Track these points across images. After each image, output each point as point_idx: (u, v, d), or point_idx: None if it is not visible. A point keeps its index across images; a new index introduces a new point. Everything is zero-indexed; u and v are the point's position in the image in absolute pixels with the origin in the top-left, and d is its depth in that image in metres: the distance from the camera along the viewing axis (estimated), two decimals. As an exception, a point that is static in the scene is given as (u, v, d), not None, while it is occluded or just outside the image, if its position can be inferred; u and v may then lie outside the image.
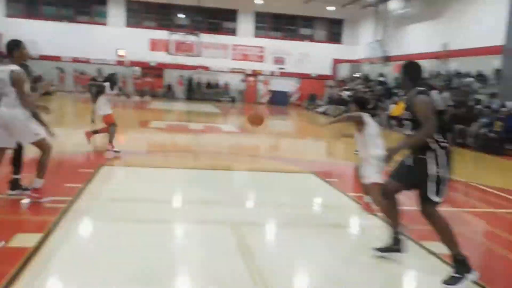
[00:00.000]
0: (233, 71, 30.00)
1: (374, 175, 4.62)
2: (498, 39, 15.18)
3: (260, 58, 30.25)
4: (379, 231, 4.39)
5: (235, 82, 30.23)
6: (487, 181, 7.95)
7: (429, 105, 3.42)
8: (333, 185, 6.64)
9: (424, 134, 3.37)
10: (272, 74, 30.32)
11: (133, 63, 28.46)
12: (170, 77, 29.66)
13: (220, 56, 29.73)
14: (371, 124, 4.73)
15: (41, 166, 4.75)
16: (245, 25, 30.02)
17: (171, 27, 27.76)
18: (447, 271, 3.67)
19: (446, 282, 3.40)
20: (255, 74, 30.28)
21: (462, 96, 15.20)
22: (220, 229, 4.41)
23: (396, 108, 14.34)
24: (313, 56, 30.09)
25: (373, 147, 4.66)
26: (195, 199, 5.60)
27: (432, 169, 3.39)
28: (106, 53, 27.84)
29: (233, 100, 29.83)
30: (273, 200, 5.76)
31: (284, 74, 30.43)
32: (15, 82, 4.39)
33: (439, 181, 3.40)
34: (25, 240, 3.78)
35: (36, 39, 24.66)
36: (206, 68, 29.48)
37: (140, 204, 5.12)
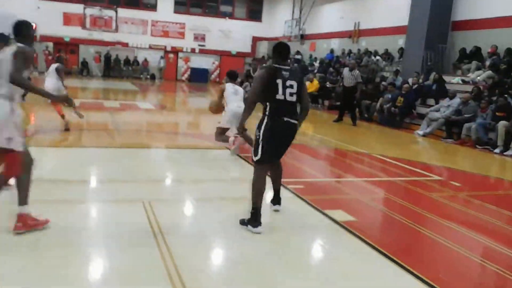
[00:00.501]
0: (152, 47, 29.20)
1: (225, 122, 6.82)
2: (403, 19, 16.02)
3: (181, 35, 29.70)
4: (288, 201, 4.56)
5: (154, 59, 29.43)
6: (387, 152, 8.47)
7: (257, 78, 3.89)
8: (246, 159, 6.74)
9: (247, 104, 3.98)
10: (192, 51, 29.88)
11: (45, 38, 26.62)
12: (86, 53, 28.20)
13: (139, 32, 28.83)
14: (228, 89, 6.85)
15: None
16: (165, 0, 29.11)
17: (86, 0, 26.14)
18: (343, 234, 3.93)
19: (241, 222, 3.96)
20: (175, 51, 29.65)
21: (370, 73, 16.01)
22: (132, 207, 4.33)
23: (310, 86, 14.78)
24: (234, 34, 30.05)
25: (230, 103, 6.76)
26: (108, 177, 5.46)
27: (256, 133, 3.92)
28: (14, 27, 25.90)
29: (152, 77, 29.06)
30: (187, 176, 5.77)
31: (204, 51, 30.13)
32: (18, 55, 3.28)
33: (257, 143, 3.89)
34: None
35: None
36: (125, 45, 28.40)
37: (46, 184, 4.86)
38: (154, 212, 4.19)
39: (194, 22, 29.66)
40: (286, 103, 3.83)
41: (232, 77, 7.08)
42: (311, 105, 14.94)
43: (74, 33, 26.91)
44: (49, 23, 26.12)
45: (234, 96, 6.83)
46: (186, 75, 29.84)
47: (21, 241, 3.39)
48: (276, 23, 28.73)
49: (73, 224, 3.81)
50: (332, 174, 6.94)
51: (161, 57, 29.53)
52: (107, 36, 27.24)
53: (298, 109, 4.00)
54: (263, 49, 28.96)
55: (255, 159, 3.93)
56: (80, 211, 4.20)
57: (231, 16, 30.59)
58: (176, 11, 29.46)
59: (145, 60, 29.22)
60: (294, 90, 3.85)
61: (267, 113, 3.86)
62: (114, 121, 10.53)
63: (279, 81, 3.80)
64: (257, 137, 3.90)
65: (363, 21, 20.32)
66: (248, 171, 6.01)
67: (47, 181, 4.96)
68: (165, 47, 29.47)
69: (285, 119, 3.84)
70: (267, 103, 3.86)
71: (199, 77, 29.23)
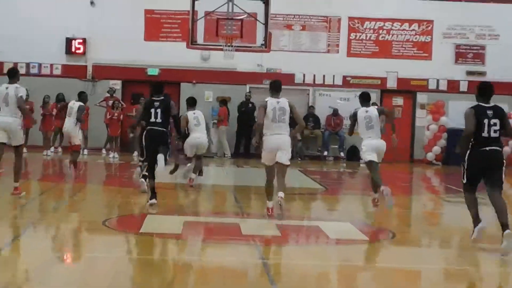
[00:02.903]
0: (348, 83, 27.72)
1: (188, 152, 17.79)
2: None
3: (423, 50, 28.94)
4: None
5: (354, 109, 26.16)
6: None
7: (466, 116, 10.83)
8: None
9: (462, 137, 11.24)
10: (451, 88, 28.23)
11: (102, 71, 28.23)
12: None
13: (318, 48, 29.18)
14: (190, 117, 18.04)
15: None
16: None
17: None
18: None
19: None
20: (406, 89, 28.76)
21: None
22: None
23: None
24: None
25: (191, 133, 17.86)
26: None
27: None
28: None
29: (349, 156, 26.78)
30: None
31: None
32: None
33: (463, 168, 10.99)
34: None
35: None
36: (290, 78, 27.55)
37: None
38: None
39: (452, 18, 28.93)
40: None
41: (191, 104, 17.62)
42: None
43: (169, 57, 25.94)
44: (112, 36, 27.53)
45: (195, 127, 16.88)
46: (436, 150, 26.36)
47: None
48: None
49: None
50: None
51: (373, 104, 25.93)
52: (244, 61, 25.44)
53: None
54: None
55: (462, 181, 11.03)
56: None
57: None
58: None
59: (334, 113, 26.34)
60: (497, 127, 10.36)
61: (471, 146, 10.64)
62: (268, 272, 9.64)
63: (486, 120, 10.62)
64: (463, 164, 10.88)
65: None
66: None
67: None
68: (384, 80, 26.96)
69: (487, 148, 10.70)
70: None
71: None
